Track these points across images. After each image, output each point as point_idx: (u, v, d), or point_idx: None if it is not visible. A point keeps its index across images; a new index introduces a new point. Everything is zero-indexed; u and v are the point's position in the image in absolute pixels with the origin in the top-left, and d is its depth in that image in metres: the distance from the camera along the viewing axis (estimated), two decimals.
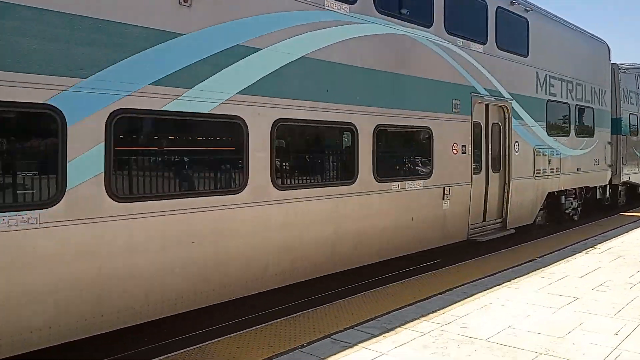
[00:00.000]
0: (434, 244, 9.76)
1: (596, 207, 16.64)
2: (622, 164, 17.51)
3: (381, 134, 8.50)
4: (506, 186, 11.56)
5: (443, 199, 9.55)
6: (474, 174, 10.54)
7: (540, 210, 13.04)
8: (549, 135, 13.07)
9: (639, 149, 19.05)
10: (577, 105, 14.57)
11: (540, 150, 12.63)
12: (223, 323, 6.57)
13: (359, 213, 8.09)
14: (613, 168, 17.04)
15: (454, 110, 9.94)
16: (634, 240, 11.77)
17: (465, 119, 10.25)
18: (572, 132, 14.35)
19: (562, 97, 13.89)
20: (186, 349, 5.55)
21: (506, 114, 11.59)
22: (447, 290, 7.73)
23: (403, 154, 9.45)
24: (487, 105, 11.13)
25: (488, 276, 8.54)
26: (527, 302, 7.12)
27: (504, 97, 11.44)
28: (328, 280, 7.94)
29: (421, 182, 9.27)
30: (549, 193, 13.15)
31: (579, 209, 14.99)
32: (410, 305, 7.04)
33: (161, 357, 5.35)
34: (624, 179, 17.83)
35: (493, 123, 11.33)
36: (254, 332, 6.00)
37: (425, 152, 9.56)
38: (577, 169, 14.36)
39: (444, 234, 9.92)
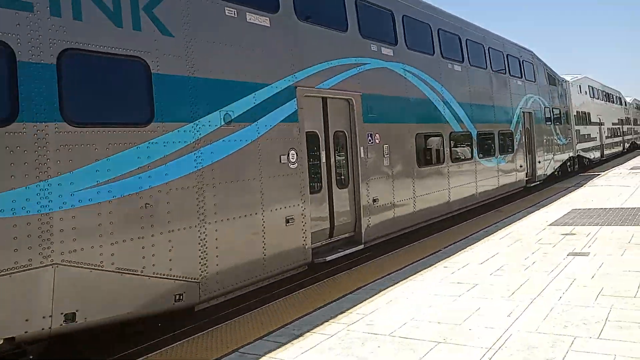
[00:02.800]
0: None
1: None
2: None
3: None
4: None
5: None
6: None
7: None
8: None
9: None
10: None
11: None
12: (120, 353, 6.37)
13: None
14: None
15: None
16: (532, 224, 12.54)
17: None
18: None
19: None
20: None
21: None
22: (357, 289, 7.90)
23: None
24: None
25: (395, 271, 8.80)
26: (430, 292, 7.41)
27: None
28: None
29: None
30: None
31: None
32: (320, 308, 7.12)
33: None
34: None
35: None
36: (156, 355, 5.85)
37: None
38: None
39: None
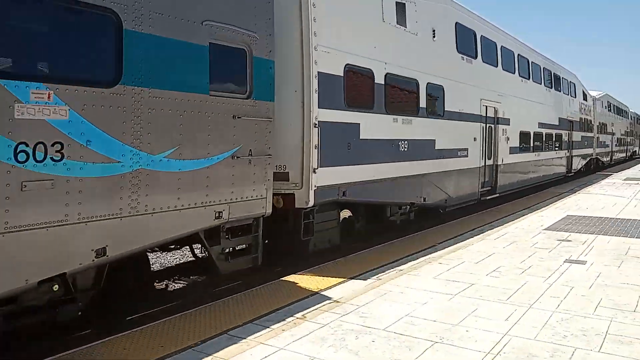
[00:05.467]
0: None
1: None
2: None
3: None
4: None
5: None
6: None
7: None
8: None
9: None
10: None
11: None
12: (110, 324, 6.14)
13: None
14: None
15: None
16: (527, 227, 12.42)
17: None
18: None
19: None
20: (68, 352, 5.10)
21: None
22: (349, 279, 7.72)
23: None
24: None
25: (389, 263, 8.64)
26: (426, 289, 7.24)
27: None
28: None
29: None
30: None
31: None
32: (312, 295, 6.94)
33: None
34: None
35: None
36: (142, 331, 5.63)
37: None
38: None
39: None
